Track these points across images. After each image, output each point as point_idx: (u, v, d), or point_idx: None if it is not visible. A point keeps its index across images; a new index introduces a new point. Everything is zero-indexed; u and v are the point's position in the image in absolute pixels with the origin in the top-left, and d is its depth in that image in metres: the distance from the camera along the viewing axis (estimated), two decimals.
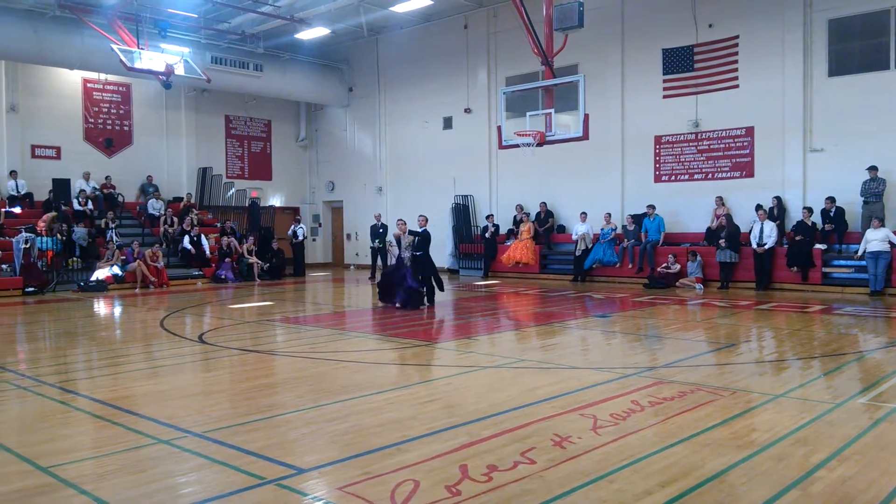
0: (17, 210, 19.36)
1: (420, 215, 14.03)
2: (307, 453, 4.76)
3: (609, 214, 18.64)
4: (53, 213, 18.66)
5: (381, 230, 20.67)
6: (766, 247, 15.75)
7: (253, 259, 20.81)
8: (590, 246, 18.63)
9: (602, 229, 18.61)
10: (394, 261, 15.11)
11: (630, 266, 18.02)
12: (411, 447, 4.75)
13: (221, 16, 20.74)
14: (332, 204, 27.48)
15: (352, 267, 25.82)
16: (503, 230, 21.12)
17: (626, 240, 18.22)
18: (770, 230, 15.81)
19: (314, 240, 27.23)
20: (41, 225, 18.06)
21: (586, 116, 13.70)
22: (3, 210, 18.78)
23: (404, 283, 13.23)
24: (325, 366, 7.95)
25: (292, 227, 23.05)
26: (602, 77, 18.92)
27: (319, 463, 4.52)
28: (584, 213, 18.83)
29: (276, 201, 26.53)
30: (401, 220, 13.94)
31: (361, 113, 25.68)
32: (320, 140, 27.45)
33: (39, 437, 5.24)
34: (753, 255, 15.94)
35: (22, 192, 19.98)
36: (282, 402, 6.27)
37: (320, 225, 27.70)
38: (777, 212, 16.29)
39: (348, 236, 26.53)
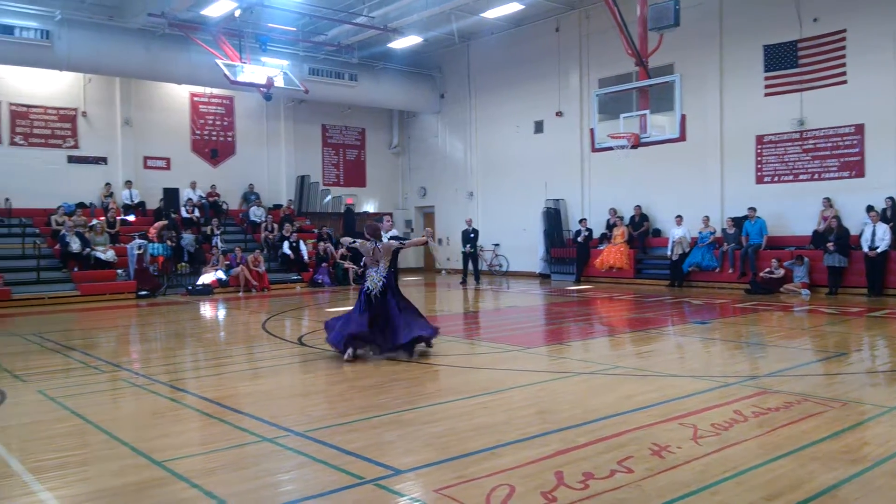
0: (132, 218, 20.58)
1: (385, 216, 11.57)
2: (404, 455, 4.84)
3: (707, 217, 18.06)
4: (164, 221, 19.77)
5: (471, 235, 20.83)
6: (879, 250, 14.86)
7: (348, 264, 21.32)
8: (687, 250, 18.09)
9: (700, 233, 18.04)
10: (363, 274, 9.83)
11: (730, 271, 17.39)
12: (505, 452, 4.76)
13: (318, 28, 21.40)
14: (423, 209, 27.83)
15: (443, 271, 26.05)
16: (596, 234, 20.80)
17: (725, 243, 17.60)
18: (883, 233, 14.91)
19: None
20: (152, 232, 19.14)
21: (683, 117, 13.37)
22: (118, 218, 20.01)
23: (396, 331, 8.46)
24: (418, 369, 8.05)
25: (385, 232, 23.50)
26: (699, 76, 18.36)
27: (416, 465, 4.59)
28: (679, 217, 18.32)
29: (369, 207, 27.11)
30: (388, 215, 10.55)
31: (452, 119, 25.91)
32: (412, 146, 27.87)
33: (154, 432, 5.55)
34: (865, 259, 15.07)
35: (135, 201, 21.24)
36: (378, 404, 6.40)
37: (412, 230, 28.10)
38: (890, 213, 15.34)
39: (440, 241, 26.79)
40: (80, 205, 20.16)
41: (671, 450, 4.72)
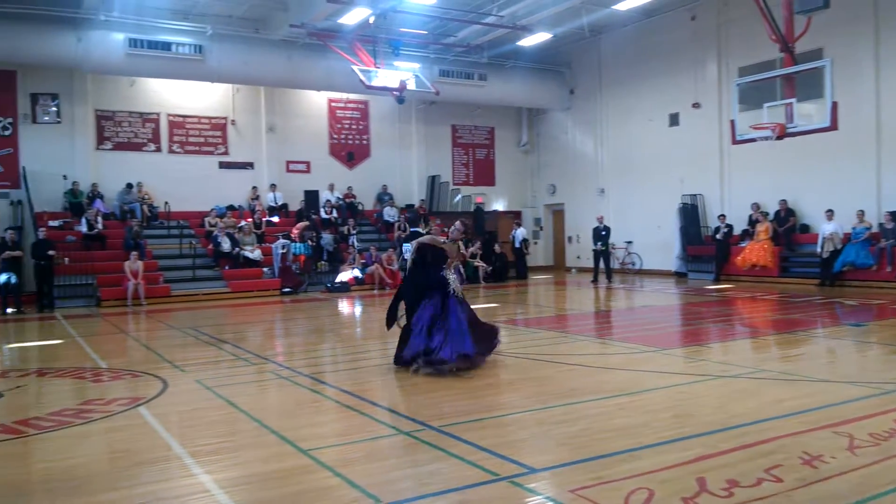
0: (276, 219, 21.77)
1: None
2: (538, 453, 4.84)
3: (862, 212, 16.74)
4: (305, 222, 20.78)
5: (603, 232, 20.43)
6: None
7: (478, 262, 21.49)
8: (839, 247, 16.86)
9: (853, 228, 16.76)
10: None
11: (889, 269, 16.04)
12: (644, 455, 4.64)
13: (448, 30, 21.70)
14: (553, 207, 27.58)
15: (573, 270, 25.70)
16: (737, 230, 19.79)
17: (883, 239, 16.24)
18: None
19: (535, 243, 27.49)
20: (294, 232, 20.17)
21: (834, 104, 12.49)
22: (264, 219, 21.22)
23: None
24: (551, 368, 8.00)
25: (522, 230, 23.71)
26: (851, 61, 17.03)
27: (551, 464, 4.57)
28: (830, 211, 17.09)
29: (498, 206, 27.19)
30: (463, 221, 8.61)
31: (582, 115, 25.49)
32: (541, 144, 27.69)
33: (299, 422, 5.86)
34: None
35: (279, 204, 22.44)
36: (510, 402, 6.42)
37: (541, 228, 27.92)
38: None
39: (570, 239, 26.44)
40: (230, 207, 21.55)
41: (825, 459, 4.43)
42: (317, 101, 23.75)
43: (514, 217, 26.58)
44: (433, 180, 25.39)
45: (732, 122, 14.39)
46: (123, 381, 7.81)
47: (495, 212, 26.57)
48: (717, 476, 4.17)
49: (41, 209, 18.60)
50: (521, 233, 23.57)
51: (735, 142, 14.90)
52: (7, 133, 19.19)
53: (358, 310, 15.77)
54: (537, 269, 26.50)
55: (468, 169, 26.90)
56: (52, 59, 18.46)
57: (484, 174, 27.24)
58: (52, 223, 18.33)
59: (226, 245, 19.17)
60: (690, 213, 21.13)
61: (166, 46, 19.00)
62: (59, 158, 19.52)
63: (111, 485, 4.45)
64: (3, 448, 5.33)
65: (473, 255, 21.68)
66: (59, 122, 19.68)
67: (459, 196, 25.93)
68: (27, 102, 19.38)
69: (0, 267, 15.80)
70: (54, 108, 19.63)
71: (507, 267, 22.88)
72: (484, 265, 21.63)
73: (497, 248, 22.69)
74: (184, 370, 8.29)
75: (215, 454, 5.04)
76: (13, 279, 15.85)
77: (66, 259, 16.82)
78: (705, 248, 20.50)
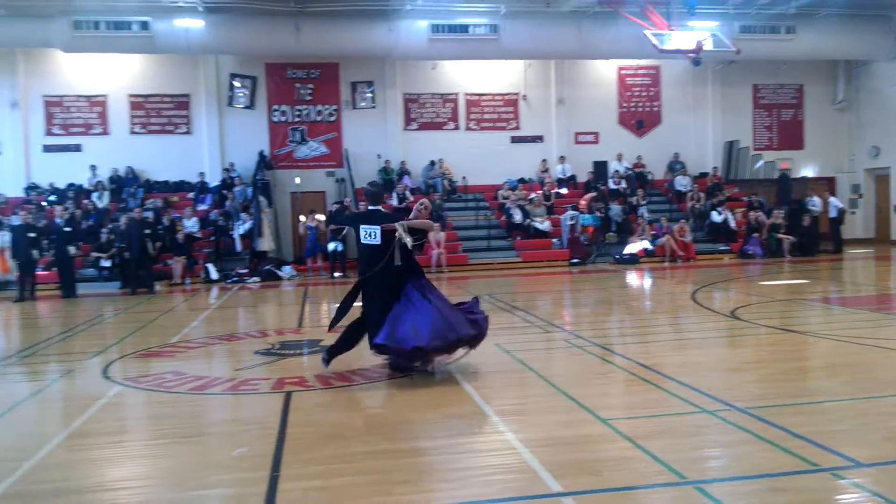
0: (564, 191, 22.06)
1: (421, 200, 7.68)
2: (862, 446, 4.36)
3: None
4: (593, 193, 20.78)
5: None
6: None
7: (783, 234, 19.72)
8: None
9: None
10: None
11: None
12: None
13: None
14: (875, 172, 24.17)
15: None
16: None
17: None
18: None
19: (853, 213, 24.38)
20: (582, 204, 20.26)
21: None
22: (553, 191, 21.63)
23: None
24: (876, 353, 7.12)
25: (819, 199, 21.23)
26: None
27: (877, 460, 4.11)
28: None
29: (808, 172, 24.55)
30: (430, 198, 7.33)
31: None
32: (861, 100, 24.32)
33: (594, 391, 5.94)
34: None
35: (567, 175, 22.69)
36: (825, 388, 5.87)
37: (861, 196, 24.66)
38: None
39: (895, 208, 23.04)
40: (521, 180, 22.28)
41: None
42: (606, 71, 23.44)
43: (827, 184, 23.86)
44: (730, 146, 23.73)
45: None
46: None
47: (804, 178, 24.04)
48: None
49: (360, 185, 20.95)
50: (833, 202, 21.08)
51: None
52: (332, 119, 21.87)
53: (647, 282, 15.43)
54: (855, 242, 23.53)
55: (771, 132, 24.64)
56: (368, 50, 20.55)
57: (790, 137, 24.74)
58: None
59: (517, 217, 19.92)
60: None
61: (464, 29, 20.08)
62: (373, 139, 21.78)
63: (429, 433, 4.95)
64: (337, 395, 6.18)
65: (778, 227, 19.88)
66: (373, 107, 21.91)
67: (761, 162, 23.91)
68: (348, 90, 21.87)
69: (329, 236, 18.17)
70: (370, 94, 21.89)
71: (818, 240, 20.65)
72: (789, 237, 19.77)
73: (806, 219, 20.55)
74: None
75: (518, 415, 5.33)
76: (339, 247, 18.14)
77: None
78: None
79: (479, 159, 22.27)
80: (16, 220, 16.06)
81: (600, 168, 22.55)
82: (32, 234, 14.98)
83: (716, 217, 20.47)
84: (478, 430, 5.00)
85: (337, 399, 6.01)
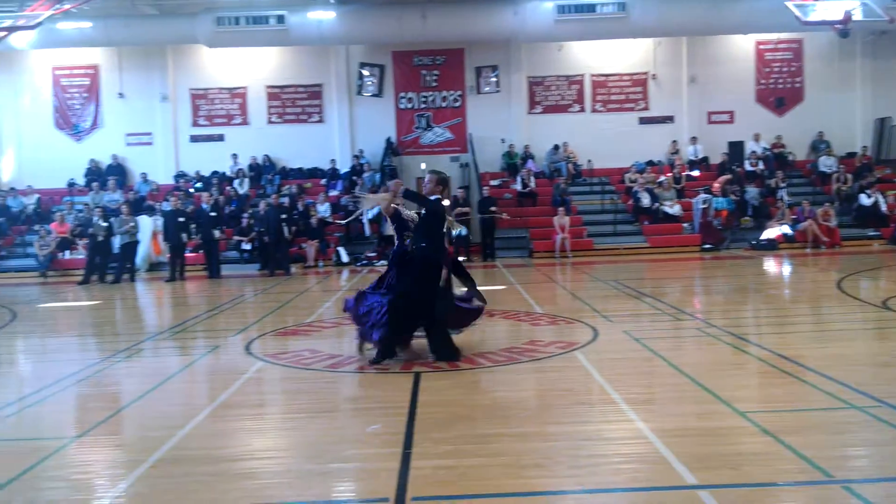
0: (696, 173, 21.18)
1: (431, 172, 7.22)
2: None
3: None
4: (728, 176, 19.85)
5: None
6: None
7: None
8: None
9: None
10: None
11: None
12: None
13: None
14: None
15: None
16: None
17: None
18: None
19: None
20: (716, 186, 19.40)
21: None
22: (684, 174, 20.83)
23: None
24: None
25: None
26: None
27: None
28: None
29: None
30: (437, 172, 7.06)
31: None
32: None
33: (729, 382, 5.70)
34: None
35: (699, 157, 21.77)
36: None
37: None
38: None
39: None
40: (650, 163, 21.61)
41: None
42: (742, 46, 22.22)
43: None
44: (882, 123, 21.91)
45: None
46: (558, 326, 8.51)
47: None
48: None
49: (484, 170, 21.09)
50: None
51: None
52: (457, 104, 22.06)
53: (787, 269, 14.60)
54: None
55: None
56: (493, 34, 20.55)
57: None
58: (492, 182, 20.63)
59: (645, 200, 19.36)
60: None
61: (591, 8, 19.61)
62: (497, 124, 21.78)
63: (557, 419, 4.94)
64: (465, 377, 6.28)
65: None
66: (497, 92, 21.88)
67: None
68: (472, 75, 21.95)
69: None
70: (494, 79, 21.87)
71: None
72: None
73: None
74: (611, 320, 8.67)
75: (648, 403, 5.22)
76: (463, 231, 18.30)
77: (505, 214, 18.80)
78: None
79: (605, 142, 21.80)
80: (167, 206, 17.34)
81: (735, 149, 21.49)
82: (182, 219, 16.12)
83: (865, 200, 19.06)
84: (607, 417, 4.93)
85: (464, 381, 6.11)
